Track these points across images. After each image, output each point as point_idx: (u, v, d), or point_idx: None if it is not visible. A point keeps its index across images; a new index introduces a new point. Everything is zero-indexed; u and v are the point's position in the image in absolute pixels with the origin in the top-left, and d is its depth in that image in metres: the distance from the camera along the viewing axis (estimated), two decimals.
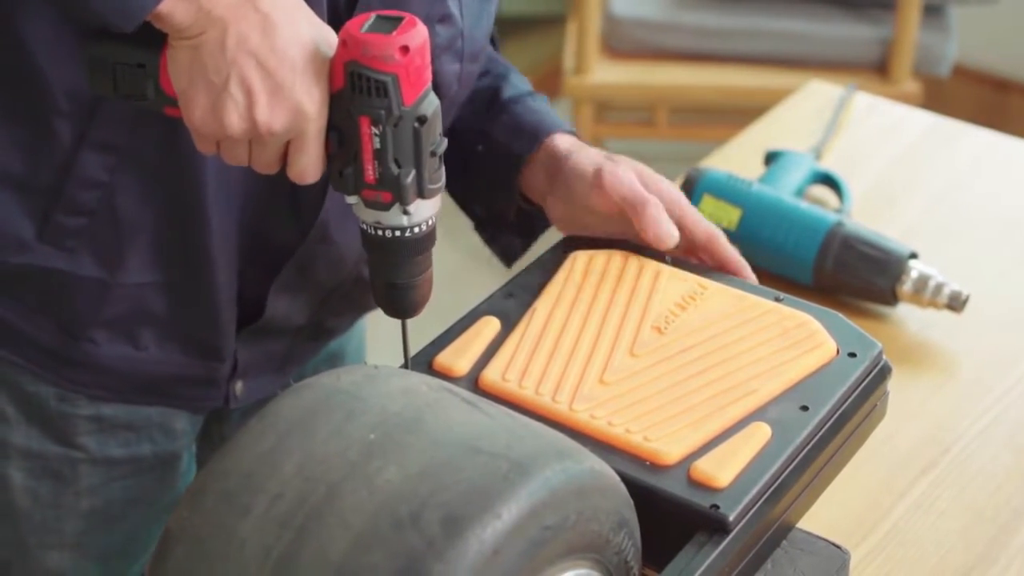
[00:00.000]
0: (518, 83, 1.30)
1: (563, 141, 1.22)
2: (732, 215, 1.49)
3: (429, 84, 0.96)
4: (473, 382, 1.01)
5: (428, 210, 0.99)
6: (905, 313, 1.45)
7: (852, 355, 1.03)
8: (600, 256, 1.12)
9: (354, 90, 0.94)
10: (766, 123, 1.78)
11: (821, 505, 1.15)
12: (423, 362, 1.04)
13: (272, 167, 1.00)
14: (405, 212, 0.98)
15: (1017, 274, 1.52)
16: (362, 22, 0.93)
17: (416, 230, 1.00)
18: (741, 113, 2.34)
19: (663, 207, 1.13)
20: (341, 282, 1.24)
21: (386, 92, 0.93)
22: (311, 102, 0.95)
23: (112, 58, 0.99)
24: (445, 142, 0.98)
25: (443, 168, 0.99)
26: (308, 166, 0.98)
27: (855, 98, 1.81)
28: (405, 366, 1.03)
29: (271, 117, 0.95)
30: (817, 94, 1.83)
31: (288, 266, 1.20)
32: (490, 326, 1.06)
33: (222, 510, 0.79)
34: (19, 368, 1.20)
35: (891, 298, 1.43)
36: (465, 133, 1.26)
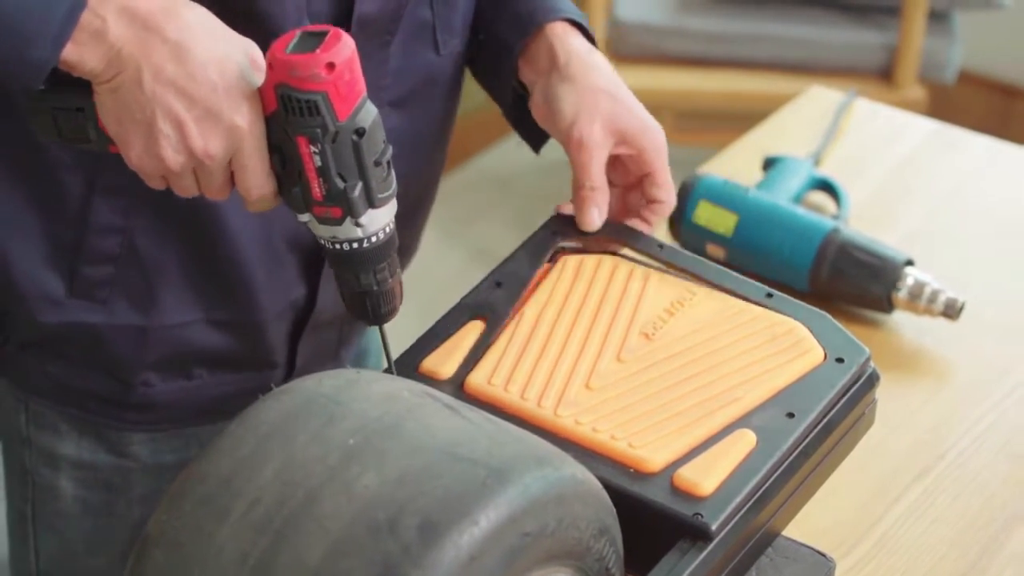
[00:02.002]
0: None
1: (565, 36, 1.17)
2: (728, 221, 1.49)
3: (363, 94, 0.95)
4: (459, 386, 1.01)
5: (383, 218, 0.99)
6: (901, 320, 1.45)
7: (840, 360, 1.03)
8: (589, 260, 1.12)
9: (287, 111, 0.93)
10: (766, 129, 1.78)
11: (812, 511, 1.15)
12: (411, 362, 1.04)
13: (223, 192, 0.99)
14: (357, 224, 0.98)
15: (1015, 282, 1.52)
16: (287, 41, 0.93)
17: (374, 239, 0.99)
18: (746, 118, 2.33)
19: (600, 194, 1.13)
20: None
21: (318, 111, 0.92)
22: (241, 118, 0.94)
23: (51, 104, 0.99)
24: (390, 149, 0.97)
25: (392, 174, 0.98)
26: (253, 185, 0.97)
27: (856, 104, 1.81)
28: (389, 370, 1.03)
29: (206, 143, 0.94)
30: (818, 100, 1.83)
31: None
32: (476, 330, 1.06)
33: (200, 514, 0.79)
34: (75, 418, 1.21)
35: (887, 305, 1.43)
36: (474, 20, 1.24)
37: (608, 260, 1.12)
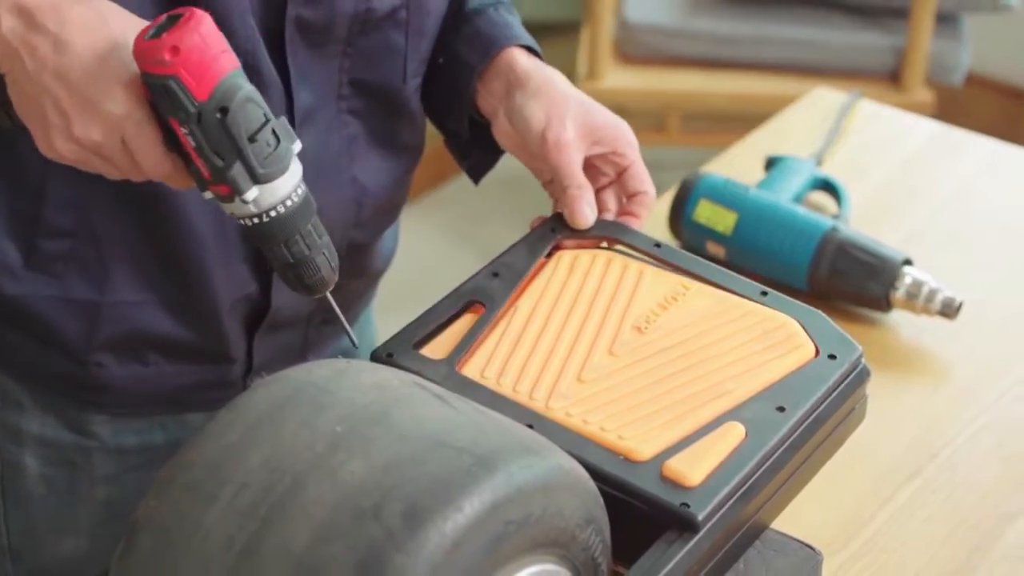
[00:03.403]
0: None
1: (521, 58, 1.21)
2: (728, 220, 1.49)
3: (229, 71, 0.96)
4: (452, 366, 1.02)
5: (278, 192, 0.99)
6: (899, 319, 1.45)
7: (832, 357, 1.03)
8: (584, 255, 1.13)
9: (156, 96, 0.96)
10: (769, 129, 1.78)
11: (805, 508, 1.16)
12: (404, 342, 1.04)
13: (137, 174, 1.01)
14: (244, 201, 0.98)
15: (1014, 282, 1.52)
16: (151, 27, 0.95)
17: (273, 213, 0.99)
18: (753, 120, 2.33)
19: (586, 190, 1.15)
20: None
21: (174, 93, 0.94)
22: (115, 105, 0.96)
23: None
24: (274, 121, 0.98)
25: (285, 147, 0.99)
26: (150, 167, 0.99)
27: (860, 105, 1.81)
28: (352, 343, 1.05)
29: (88, 130, 0.97)
30: (822, 101, 1.84)
31: None
32: (472, 315, 1.07)
33: (188, 500, 0.80)
34: (39, 395, 1.22)
35: (884, 304, 1.43)
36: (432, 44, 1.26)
37: (603, 255, 1.13)
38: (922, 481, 1.28)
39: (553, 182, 1.18)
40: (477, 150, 1.28)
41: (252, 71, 1.09)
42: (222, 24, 1.05)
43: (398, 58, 1.19)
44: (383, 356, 1.03)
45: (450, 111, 1.26)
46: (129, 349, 1.19)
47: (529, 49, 1.22)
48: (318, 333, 1.31)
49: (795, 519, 1.07)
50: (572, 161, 1.16)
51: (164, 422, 1.26)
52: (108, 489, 1.26)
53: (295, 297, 1.23)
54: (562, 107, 1.17)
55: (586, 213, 1.15)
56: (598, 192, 1.19)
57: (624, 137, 1.18)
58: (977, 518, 1.24)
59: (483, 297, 1.08)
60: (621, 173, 1.19)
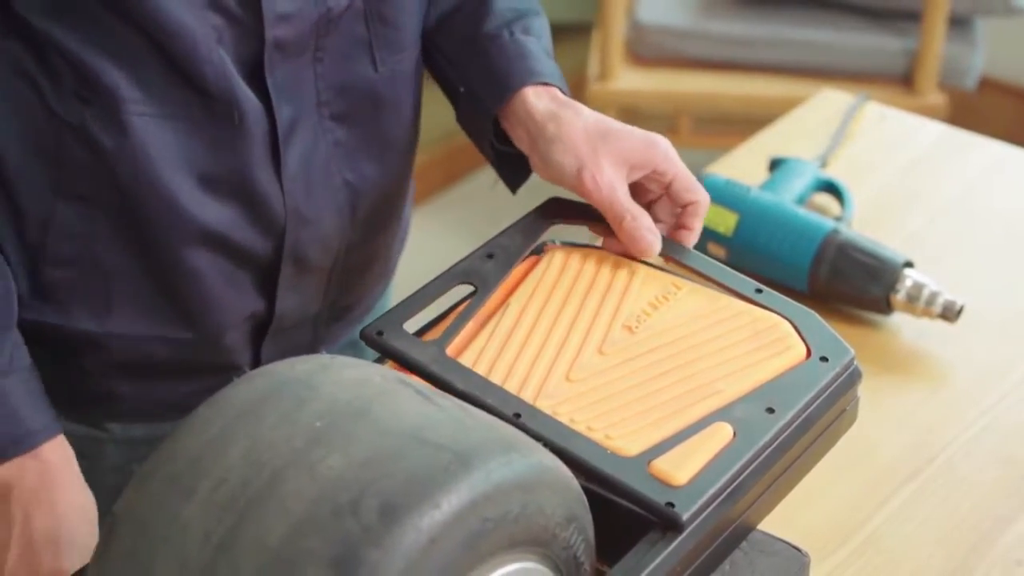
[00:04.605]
0: (501, 6, 1.24)
1: (538, 103, 1.17)
2: (729, 220, 1.49)
3: None
4: (442, 349, 1.02)
5: None
6: (900, 321, 1.45)
7: (824, 359, 1.03)
8: (577, 253, 1.13)
9: None
10: (775, 131, 1.78)
11: (801, 509, 1.16)
12: (395, 322, 1.04)
13: None
14: None
15: (1017, 285, 1.51)
16: None
17: None
18: (765, 122, 2.33)
19: (642, 217, 1.12)
20: (336, 257, 1.25)
21: None
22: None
23: None
24: None
25: None
26: None
27: (867, 107, 1.81)
28: None
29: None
30: (829, 103, 1.83)
31: (284, 263, 1.20)
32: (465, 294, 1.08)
33: (167, 493, 0.80)
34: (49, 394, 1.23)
35: (885, 306, 1.43)
36: (452, 68, 1.24)
37: (595, 253, 1.13)
38: (920, 483, 1.27)
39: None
40: (508, 169, 1.27)
41: (229, 103, 1.10)
42: (191, 60, 1.07)
43: (364, 49, 1.18)
44: (372, 335, 1.03)
45: (478, 141, 1.25)
46: (139, 371, 1.21)
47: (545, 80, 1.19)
48: (327, 330, 1.31)
49: (792, 519, 1.07)
50: (616, 197, 1.12)
51: (174, 418, 1.26)
52: (117, 478, 1.26)
53: (300, 303, 1.23)
54: (589, 149, 1.13)
55: (648, 240, 1.11)
56: (649, 208, 1.16)
57: (659, 154, 1.13)
58: (974, 521, 1.23)
59: (475, 279, 1.08)
60: (667, 187, 1.15)
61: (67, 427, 1.24)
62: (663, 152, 1.14)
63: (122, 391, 1.22)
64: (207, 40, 1.08)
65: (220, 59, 1.09)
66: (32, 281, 1.15)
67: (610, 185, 1.12)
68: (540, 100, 1.17)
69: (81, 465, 1.25)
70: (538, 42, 1.23)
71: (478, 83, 1.21)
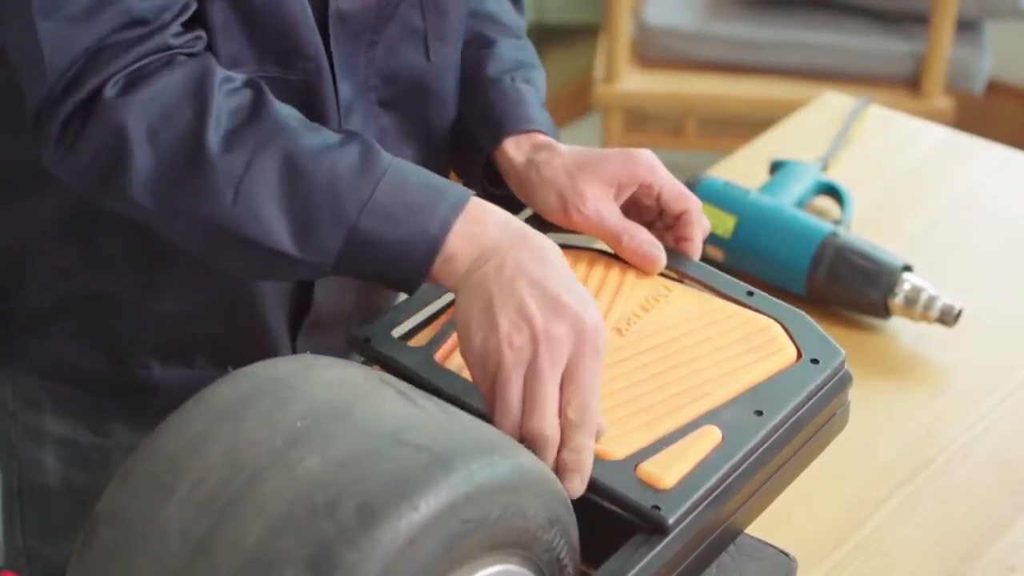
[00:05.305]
0: (505, 54, 1.26)
1: (517, 154, 1.18)
2: (727, 223, 1.48)
3: None
4: (430, 355, 1.01)
5: None
6: (899, 325, 1.44)
7: (815, 361, 1.02)
8: (568, 256, 1.11)
9: None
10: (776, 133, 1.77)
11: (798, 512, 1.15)
12: (386, 330, 1.04)
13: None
14: None
15: (1015, 290, 1.51)
16: None
17: None
18: (771, 125, 2.33)
19: (639, 233, 1.12)
20: None
21: None
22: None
23: None
24: None
25: None
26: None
27: (870, 110, 1.80)
28: None
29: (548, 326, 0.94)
30: (832, 105, 1.82)
31: None
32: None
33: (147, 492, 0.80)
34: (59, 395, 1.23)
35: (883, 310, 1.42)
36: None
37: (586, 256, 1.12)
38: (917, 486, 1.27)
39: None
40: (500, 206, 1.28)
41: (312, 59, 1.09)
42: (284, 16, 1.06)
43: (419, 39, 1.18)
44: (360, 340, 1.03)
45: (468, 181, 1.24)
46: (177, 352, 1.20)
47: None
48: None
49: (789, 521, 1.07)
50: (604, 221, 1.12)
51: None
52: None
53: (337, 293, 1.22)
54: (568, 180, 1.14)
55: (652, 253, 1.11)
56: (650, 224, 1.16)
57: (642, 167, 1.14)
58: (969, 525, 1.23)
59: None
60: (658, 199, 1.14)
61: (75, 436, 1.24)
62: (646, 165, 1.14)
63: (155, 378, 1.20)
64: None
65: (311, 19, 1.08)
66: (84, 251, 1.14)
67: (596, 212, 1.13)
68: (520, 151, 1.19)
69: (87, 476, 1.25)
70: (536, 93, 1.24)
71: (474, 123, 1.22)
